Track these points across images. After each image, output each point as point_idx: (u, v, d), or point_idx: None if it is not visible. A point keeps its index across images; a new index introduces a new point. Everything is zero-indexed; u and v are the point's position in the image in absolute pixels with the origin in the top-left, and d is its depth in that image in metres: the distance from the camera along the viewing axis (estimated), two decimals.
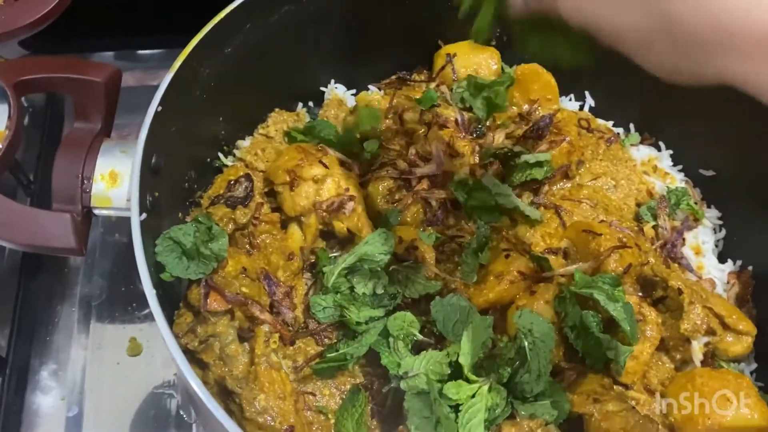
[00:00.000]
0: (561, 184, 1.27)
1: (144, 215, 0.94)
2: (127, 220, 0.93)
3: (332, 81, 1.45)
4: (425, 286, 1.08)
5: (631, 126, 1.44)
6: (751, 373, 1.14)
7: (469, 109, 1.35)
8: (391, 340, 1.03)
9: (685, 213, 1.29)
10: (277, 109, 1.37)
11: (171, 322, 1.01)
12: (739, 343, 1.09)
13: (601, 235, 1.12)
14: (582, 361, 1.05)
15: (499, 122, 1.34)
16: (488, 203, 1.16)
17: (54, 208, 0.99)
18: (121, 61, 1.66)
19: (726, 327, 1.09)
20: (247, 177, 1.20)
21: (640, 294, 1.10)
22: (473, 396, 0.93)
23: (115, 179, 1.01)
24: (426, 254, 1.12)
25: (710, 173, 1.34)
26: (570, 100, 1.46)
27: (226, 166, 1.29)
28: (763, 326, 1.13)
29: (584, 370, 1.04)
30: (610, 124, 1.43)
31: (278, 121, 1.35)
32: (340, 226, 1.16)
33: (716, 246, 1.30)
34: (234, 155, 1.32)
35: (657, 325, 1.06)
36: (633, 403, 1.01)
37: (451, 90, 1.38)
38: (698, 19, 0.57)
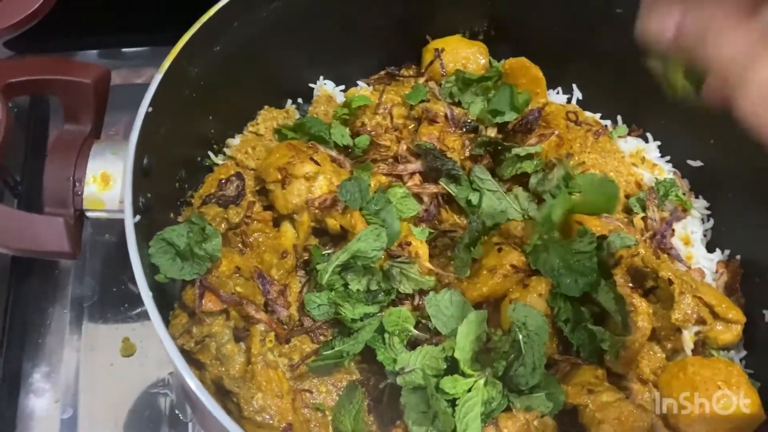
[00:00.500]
0: None
1: (138, 217, 0.94)
2: (117, 220, 0.92)
3: (321, 77, 1.45)
4: (419, 282, 1.09)
5: (619, 118, 1.44)
6: (741, 360, 1.16)
7: (458, 104, 1.35)
8: (386, 336, 1.04)
9: (673, 204, 1.30)
10: (266, 107, 1.37)
11: (166, 323, 1.01)
12: (729, 332, 1.11)
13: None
14: (576, 352, 1.06)
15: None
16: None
17: (46, 212, 0.98)
18: (106, 59, 1.64)
19: (716, 316, 1.11)
20: (238, 175, 1.20)
21: (631, 285, 1.11)
22: (469, 390, 0.95)
23: (107, 181, 1.00)
24: (419, 249, 1.12)
25: (698, 164, 1.35)
26: (558, 93, 1.47)
27: (217, 164, 1.29)
28: (751, 314, 1.15)
29: (578, 362, 1.05)
30: (597, 116, 1.44)
31: (268, 119, 1.35)
32: (333, 223, 1.16)
33: (705, 236, 1.32)
34: (224, 154, 1.32)
35: (648, 316, 1.06)
36: (626, 393, 1.03)
37: (439, 85, 1.38)
38: None
